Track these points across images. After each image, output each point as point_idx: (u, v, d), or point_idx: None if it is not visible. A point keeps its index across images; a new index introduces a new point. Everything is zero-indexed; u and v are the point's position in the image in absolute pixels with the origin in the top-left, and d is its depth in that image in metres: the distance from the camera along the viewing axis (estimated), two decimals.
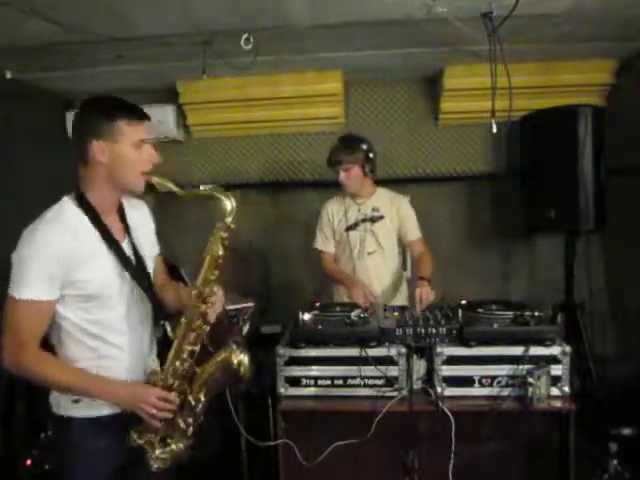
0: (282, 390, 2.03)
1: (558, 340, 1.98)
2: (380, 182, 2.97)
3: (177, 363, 1.58)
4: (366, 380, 1.99)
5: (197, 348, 1.60)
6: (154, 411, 1.49)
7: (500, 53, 2.43)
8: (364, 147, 2.73)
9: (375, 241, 2.80)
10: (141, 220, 1.73)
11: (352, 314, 2.10)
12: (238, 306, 2.81)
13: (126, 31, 2.54)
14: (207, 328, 1.61)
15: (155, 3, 2.27)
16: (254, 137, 3.78)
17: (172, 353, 1.59)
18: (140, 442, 1.55)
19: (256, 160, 3.81)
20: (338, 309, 2.28)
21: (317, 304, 2.35)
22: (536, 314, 2.02)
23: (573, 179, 3.03)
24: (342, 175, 2.74)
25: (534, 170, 3.24)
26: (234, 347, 1.61)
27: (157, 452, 1.56)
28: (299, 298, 3.14)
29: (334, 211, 2.91)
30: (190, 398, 1.59)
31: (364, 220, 2.79)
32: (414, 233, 2.85)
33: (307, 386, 2.03)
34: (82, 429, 1.54)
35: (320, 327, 2.08)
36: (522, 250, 3.80)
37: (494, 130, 2.54)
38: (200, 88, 3.45)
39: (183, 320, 1.59)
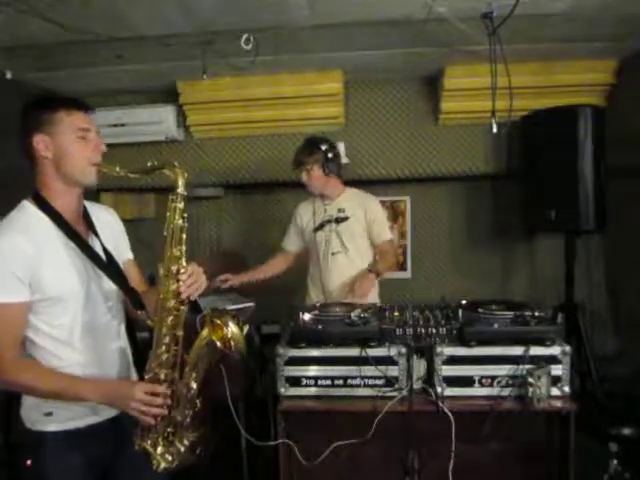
0: (282, 390, 2.02)
1: (558, 340, 1.98)
2: (379, 182, 2.97)
3: (161, 351, 1.50)
4: (366, 380, 1.98)
5: (179, 332, 1.52)
6: (143, 408, 1.42)
7: (500, 53, 2.43)
8: (323, 148, 2.78)
9: (339, 241, 2.82)
10: (107, 222, 1.69)
11: (352, 314, 2.10)
12: (238, 306, 2.81)
13: (126, 31, 2.54)
14: (184, 308, 1.52)
15: (155, 3, 2.27)
16: (254, 137, 3.77)
17: (154, 342, 1.51)
18: (144, 444, 1.50)
19: (256, 160, 3.80)
20: (338, 309, 2.28)
21: (317, 304, 2.35)
22: (536, 314, 2.01)
23: (573, 179, 3.03)
24: (304, 176, 2.80)
25: (534, 170, 3.23)
26: (217, 322, 1.53)
27: (160, 450, 1.51)
28: (299, 298, 3.14)
29: (303, 212, 2.97)
30: (181, 386, 1.52)
31: (329, 221, 2.84)
32: (382, 235, 2.86)
33: (307, 386, 2.02)
34: (56, 444, 1.49)
35: (320, 327, 2.07)
36: (522, 250, 3.80)
37: (494, 130, 2.55)
38: (200, 88, 3.44)
39: (157, 303, 1.51)
